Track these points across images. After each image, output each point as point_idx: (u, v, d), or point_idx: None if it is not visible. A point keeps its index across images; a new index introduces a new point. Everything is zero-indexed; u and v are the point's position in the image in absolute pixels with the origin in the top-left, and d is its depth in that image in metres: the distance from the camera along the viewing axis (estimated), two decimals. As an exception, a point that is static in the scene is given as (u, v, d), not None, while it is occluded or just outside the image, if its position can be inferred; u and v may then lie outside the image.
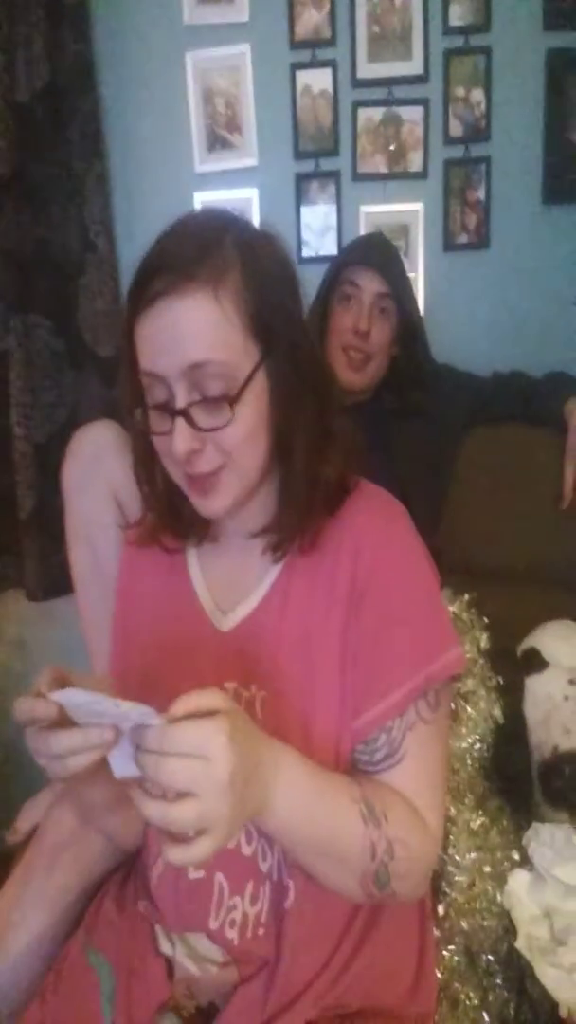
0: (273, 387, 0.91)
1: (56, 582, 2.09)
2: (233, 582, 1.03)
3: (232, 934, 0.96)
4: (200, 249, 0.87)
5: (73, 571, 1.40)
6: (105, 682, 0.85)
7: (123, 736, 0.75)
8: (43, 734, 0.76)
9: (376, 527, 0.99)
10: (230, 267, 0.87)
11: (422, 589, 0.99)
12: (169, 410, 0.88)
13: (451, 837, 1.22)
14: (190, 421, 0.87)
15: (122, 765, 0.77)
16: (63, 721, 0.76)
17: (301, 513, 0.96)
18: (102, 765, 0.78)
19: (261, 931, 0.96)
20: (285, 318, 0.92)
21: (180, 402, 0.87)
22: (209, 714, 0.73)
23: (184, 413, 0.87)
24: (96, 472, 1.31)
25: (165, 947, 1.03)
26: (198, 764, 0.70)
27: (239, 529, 1.01)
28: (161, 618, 1.07)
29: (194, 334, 0.86)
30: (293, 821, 0.83)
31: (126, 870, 1.20)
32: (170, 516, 1.04)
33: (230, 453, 0.90)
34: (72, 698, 0.73)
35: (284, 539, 0.98)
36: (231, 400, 0.87)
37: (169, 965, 1.02)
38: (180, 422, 0.87)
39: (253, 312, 0.88)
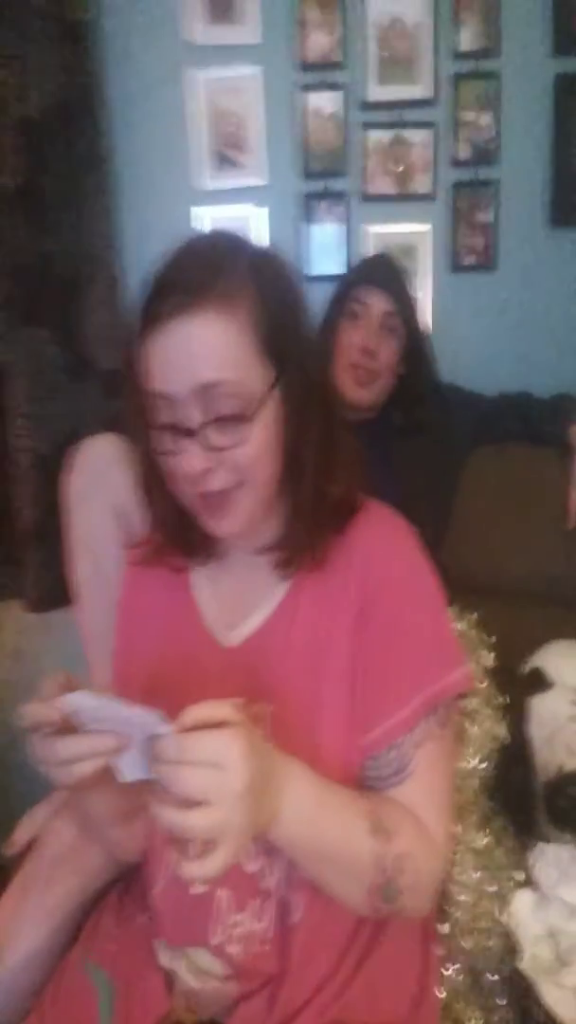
0: (285, 406, 0.92)
1: (55, 594, 2.05)
2: (239, 599, 1.03)
3: (235, 950, 0.96)
4: (212, 269, 0.88)
5: (74, 583, 1.39)
6: (108, 692, 0.84)
7: (130, 741, 0.75)
8: (48, 740, 0.77)
9: (383, 546, 0.99)
10: (242, 287, 0.87)
11: (429, 607, 0.99)
12: (182, 430, 0.88)
13: (455, 856, 1.21)
14: (204, 442, 0.87)
15: (130, 769, 0.77)
16: (68, 728, 0.76)
17: (309, 530, 0.97)
18: (106, 776, 0.78)
19: (266, 947, 0.96)
20: (296, 338, 0.92)
21: (193, 423, 0.87)
22: (219, 725, 0.73)
23: (197, 433, 0.87)
24: (98, 485, 1.31)
25: (164, 961, 1.03)
26: (214, 773, 0.71)
27: (246, 547, 1.02)
28: (165, 634, 1.07)
29: (207, 354, 0.86)
30: (302, 834, 0.83)
31: (125, 883, 1.19)
32: (177, 536, 1.04)
33: (243, 472, 0.90)
34: (81, 702, 0.73)
35: (292, 556, 0.98)
36: (246, 419, 0.87)
37: (168, 979, 1.02)
38: (192, 442, 0.87)
39: (265, 332, 0.88)
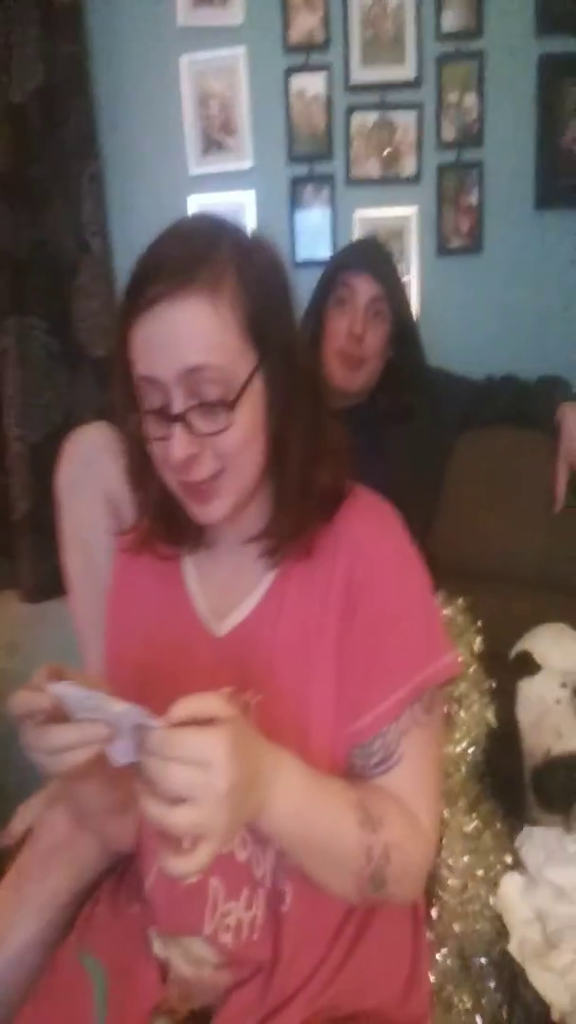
0: (269, 391, 0.91)
1: (50, 584, 2.07)
2: (228, 588, 1.03)
3: (227, 939, 0.96)
4: (196, 254, 0.87)
5: (66, 573, 1.40)
6: (101, 680, 0.84)
7: (120, 729, 0.76)
8: (39, 729, 0.76)
9: (370, 533, 0.99)
10: (226, 272, 0.87)
11: (416, 595, 0.99)
12: (166, 415, 0.88)
13: (444, 841, 1.22)
14: (188, 426, 0.87)
15: (121, 753, 0.77)
16: (59, 717, 0.76)
17: (296, 519, 0.96)
18: (98, 768, 0.78)
19: (256, 935, 0.96)
20: (280, 322, 0.92)
21: (177, 407, 0.87)
22: (209, 720, 0.73)
23: (182, 418, 0.86)
24: (90, 474, 1.31)
25: (158, 950, 1.03)
26: (198, 772, 0.71)
27: (234, 535, 1.01)
28: (155, 623, 1.07)
29: (191, 338, 0.85)
30: (291, 825, 0.83)
31: (119, 873, 1.20)
32: (164, 523, 1.04)
33: (228, 458, 0.90)
34: (69, 692, 0.74)
35: (279, 545, 0.98)
36: (229, 404, 0.87)
37: (162, 968, 1.03)
38: (178, 427, 0.86)
39: (249, 316, 0.88)
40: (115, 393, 0.97)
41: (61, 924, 1.18)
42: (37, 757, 0.79)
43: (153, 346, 0.86)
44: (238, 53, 2.07)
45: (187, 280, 0.85)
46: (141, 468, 1.01)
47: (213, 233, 0.91)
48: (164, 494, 0.99)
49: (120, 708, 0.72)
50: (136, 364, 0.89)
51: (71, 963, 1.06)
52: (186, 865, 0.72)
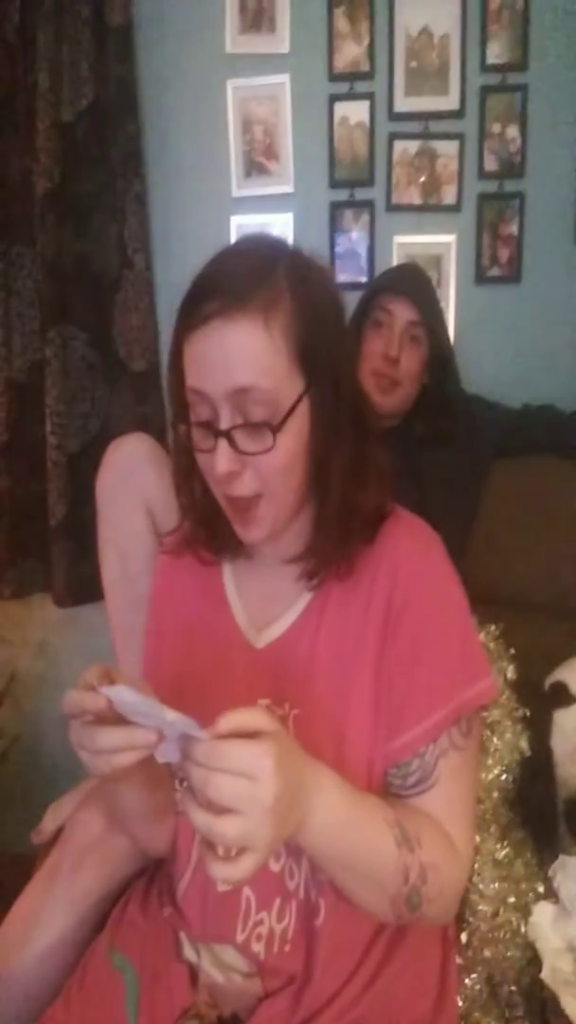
0: (314, 417, 0.92)
1: (83, 589, 2.12)
2: (268, 600, 1.04)
3: (258, 948, 0.97)
4: (253, 275, 0.88)
5: (103, 579, 1.41)
6: (143, 684, 0.85)
7: (168, 734, 0.76)
8: (88, 729, 0.77)
9: (411, 554, 1.00)
10: (282, 296, 0.88)
11: (456, 617, 1.00)
12: (213, 430, 0.89)
13: (475, 866, 1.21)
14: (232, 443, 0.88)
15: (164, 753, 0.78)
16: (107, 717, 0.77)
17: (337, 542, 0.97)
18: (138, 772, 0.79)
19: (287, 947, 0.96)
20: (331, 350, 0.92)
21: (224, 423, 0.88)
22: (253, 733, 0.74)
23: (227, 435, 0.87)
24: (129, 483, 1.33)
25: (189, 954, 1.04)
26: (245, 784, 0.71)
27: (274, 554, 1.02)
28: (194, 630, 1.08)
29: (242, 360, 0.86)
30: (329, 842, 0.83)
31: (150, 875, 1.21)
32: (206, 529, 1.05)
33: (268, 480, 0.91)
34: (122, 696, 0.74)
35: (319, 566, 0.98)
36: (274, 428, 0.88)
37: (193, 972, 1.03)
38: (222, 443, 0.87)
39: (301, 342, 0.89)
40: (169, 397, 0.99)
41: (92, 923, 1.19)
42: (82, 755, 0.80)
43: (205, 361, 0.88)
44: (283, 80, 2.10)
45: (243, 301, 0.86)
46: (187, 473, 1.02)
47: (271, 256, 0.92)
48: (208, 499, 1.00)
49: (172, 717, 0.73)
50: (187, 376, 0.90)
51: (102, 962, 1.07)
52: (231, 872, 0.72)
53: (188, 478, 1.02)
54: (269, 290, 0.87)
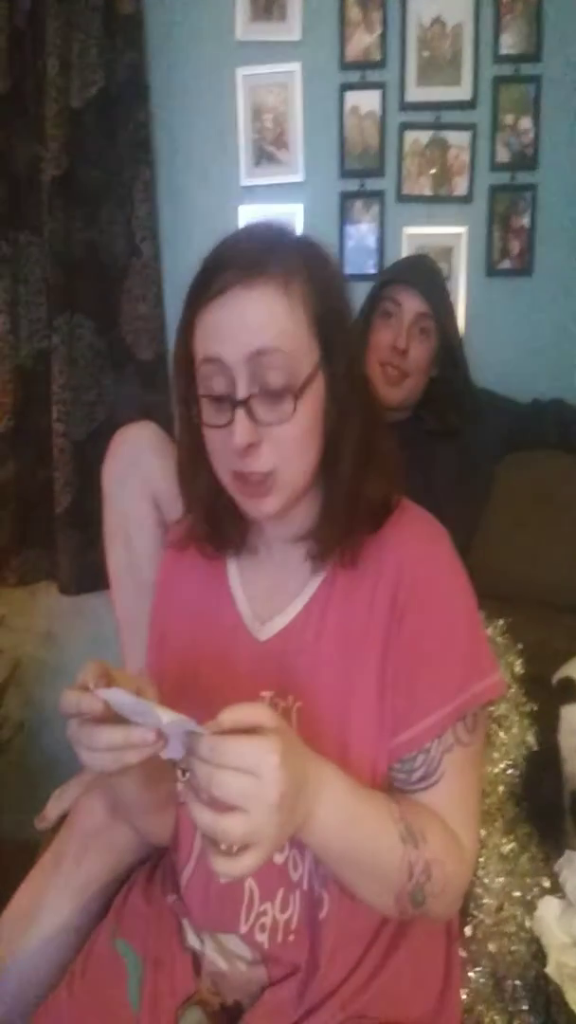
0: (328, 392, 0.92)
1: (88, 577, 2.12)
2: (272, 592, 1.03)
3: (262, 938, 0.97)
4: (269, 248, 0.89)
5: (109, 567, 1.41)
6: (144, 680, 0.85)
7: (169, 733, 0.76)
8: (86, 728, 0.77)
9: (418, 547, 0.99)
10: (297, 269, 0.88)
11: (463, 612, 0.98)
12: (230, 401, 0.88)
13: (481, 860, 1.21)
14: (251, 413, 0.87)
15: (170, 749, 0.77)
16: (106, 715, 0.77)
17: (342, 526, 0.96)
18: (139, 766, 0.78)
19: (292, 937, 0.96)
20: (343, 327, 0.93)
21: (242, 392, 0.87)
22: (254, 728, 0.74)
23: (246, 404, 0.87)
24: (135, 471, 1.33)
25: (193, 941, 1.04)
26: (250, 781, 0.71)
27: (280, 535, 1.01)
28: (199, 623, 1.07)
29: (262, 322, 0.86)
30: (333, 838, 0.83)
31: (154, 861, 1.21)
32: (209, 523, 1.04)
33: (285, 452, 0.90)
34: (118, 698, 0.74)
35: (323, 550, 0.97)
36: (295, 392, 0.87)
37: (196, 959, 1.03)
38: (241, 413, 0.87)
39: (317, 313, 0.89)
40: (176, 378, 0.98)
41: (95, 909, 1.19)
42: (81, 753, 0.79)
43: (222, 329, 0.87)
44: (294, 68, 2.09)
45: (262, 267, 0.87)
46: (192, 463, 1.01)
47: (283, 233, 0.94)
48: (212, 492, 1.00)
49: (168, 718, 0.72)
50: (202, 348, 0.90)
51: (106, 948, 1.07)
52: (234, 868, 0.72)
53: (193, 470, 1.01)
54: (285, 261, 0.88)
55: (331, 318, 0.91)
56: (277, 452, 0.90)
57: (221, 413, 0.89)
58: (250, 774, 0.71)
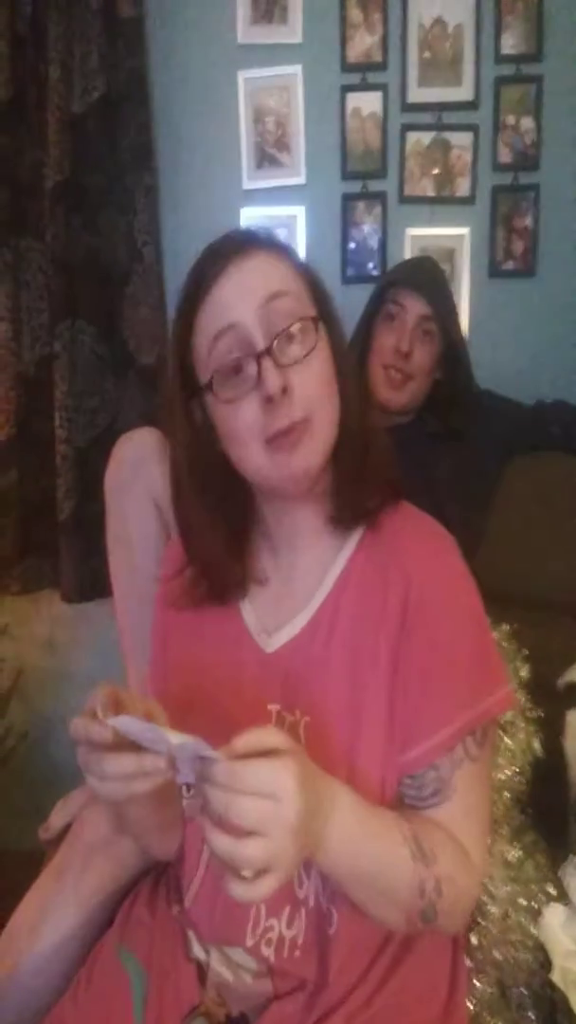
0: (332, 347, 0.96)
1: (91, 585, 2.12)
2: (279, 604, 1.02)
3: (268, 952, 0.96)
4: (252, 235, 0.95)
5: (111, 575, 1.41)
6: (153, 703, 0.84)
7: (179, 757, 0.75)
8: (96, 755, 0.76)
9: (425, 555, 0.98)
10: (283, 247, 0.96)
11: (473, 623, 0.97)
12: (254, 355, 0.88)
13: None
14: (275, 359, 0.88)
15: (181, 774, 0.77)
16: (117, 742, 0.76)
17: (358, 487, 0.97)
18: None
19: (298, 953, 0.95)
20: (330, 305, 0.98)
21: (262, 343, 0.89)
22: (269, 752, 0.73)
23: (269, 352, 0.88)
24: (137, 477, 1.33)
25: (198, 952, 1.03)
26: (268, 805, 0.70)
27: (298, 519, 1.00)
28: (204, 633, 1.06)
29: (264, 275, 0.91)
30: (345, 858, 0.82)
31: (158, 872, 1.20)
32: (210, 576, 1.03)
33: (313, 394, 0.90)
34: (127, 726, 0.73)
35: (343, 506, 0.98)
36: (309, 333, 0.91)
37: (201, 970, 1.02)
38: (267, 361, 0.88)
39: (308, 280, 0.96)
40: (170, 385, 0.98)
41: (100, 920, 1.18)
42: (91, 781, 0.78)
43: (227, 297, 0.91)
44: (295, 71, 2.09)
45: (255, 242, 0.93)
46: (193, 482, 1.00)
47: (264, 229, 0.99)
48: (221, 513, 1.00)
49: (178, 741, 0.72)
50: (208, 326, 0.92)
51: (110, 959, 1.07)
52: (252, 893, 0.71)
53: (197, 487, 1.00)
54: (270, 244, 0.95)
55: (319, 288, 0.97)
56: (306, 396, 0.90)
57: (238, 386, 0.90)
58: (268, 798, 0.70)
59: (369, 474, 0.97)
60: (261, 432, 0.90)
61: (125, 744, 0.75)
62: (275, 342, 0.88)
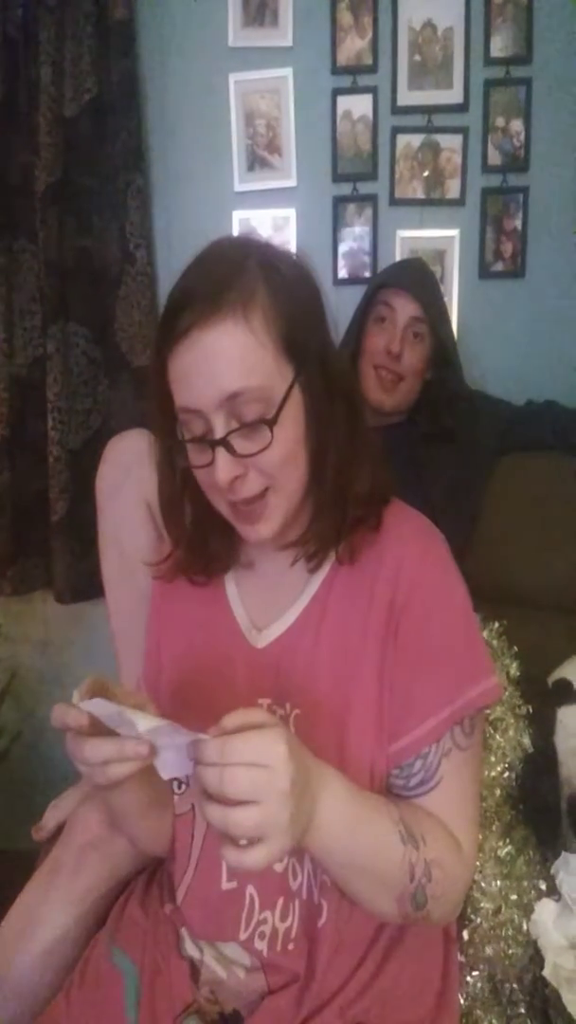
0: (308, 401, 0.92)
1: (84, 585, 2.13)
2: (268, 600, 1.04)
3: (261, 945, 0.96)
4: (223, 279, 0.87)
5: (104, 575, 1.41)
6: (144, 697, 0.85)
7: (161, 744, 0.76)
8: (79, 741, 0.78)
9: (414, 552, 0.99)
10: (256, 289, 0.87)
11: (460, 615, 0.99)
12: (208, 441, 0.88)
13: (477, 863, 1.21)
14: (230, 450, 0.87)
15: (169, 768, 0.77)
16: (100, 729, 0.77)
17: (335, 525, 0.96)
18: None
19: (291, 946, 0.96)
20: (314, 333, 0.92)
21: (219, 432, 0.87)
22: (256, 727, 0.74)
23: (224, 443, 0.87)
24: (129, 479, 1.33)
25: (191, 950, 1.04)
26: (261, 772, 0.71)
27: (275, 541, 1.00)
28: (195, 630, 1.08)
29: (227, 364, 0.86)
30: (335, 842, 0.83)
31: (151, 871, 1.21)
32: (197, 553, 1.05)
33: (272, 475, 0.90)
34: (99, 708, 0.74)
35: (318, 550, 0.98)
36: (270, 423, 0.87)
37: (194, 968, 1.03)
38: (220, 451, 0.87)
39: (283, 331, 0.88)
40: (155, 424, 0.98)
41: (93, 920, 1.19)
42: (79, 767, 0.80)
43: (190, 376, 0.87)
44: (286, 73, 2.10)
45: (216, 304, 0.85)
46: (173, 499, 1.02)
47: (239, 254, 0.91)
48: (200, 519, 1.01)
49: (149, 725, 0.73)
50: (175, 395, 0.90)
51: (103, 959, 1.07)
52: (246, 859, 0.72)
53: (175, 504, 1.03)
54: (242, 287, 0.87)
55: (300, 327, 0.90)
56: (265, 476, 0.90)
57: (203, 453, 0.90)
58: (260, 766, 0.72)
59: (351, 501, 0.97)
60: (224, 496, 0.92)
61: (105, 730, 0.77)
62: (229, 437, 0.87)
